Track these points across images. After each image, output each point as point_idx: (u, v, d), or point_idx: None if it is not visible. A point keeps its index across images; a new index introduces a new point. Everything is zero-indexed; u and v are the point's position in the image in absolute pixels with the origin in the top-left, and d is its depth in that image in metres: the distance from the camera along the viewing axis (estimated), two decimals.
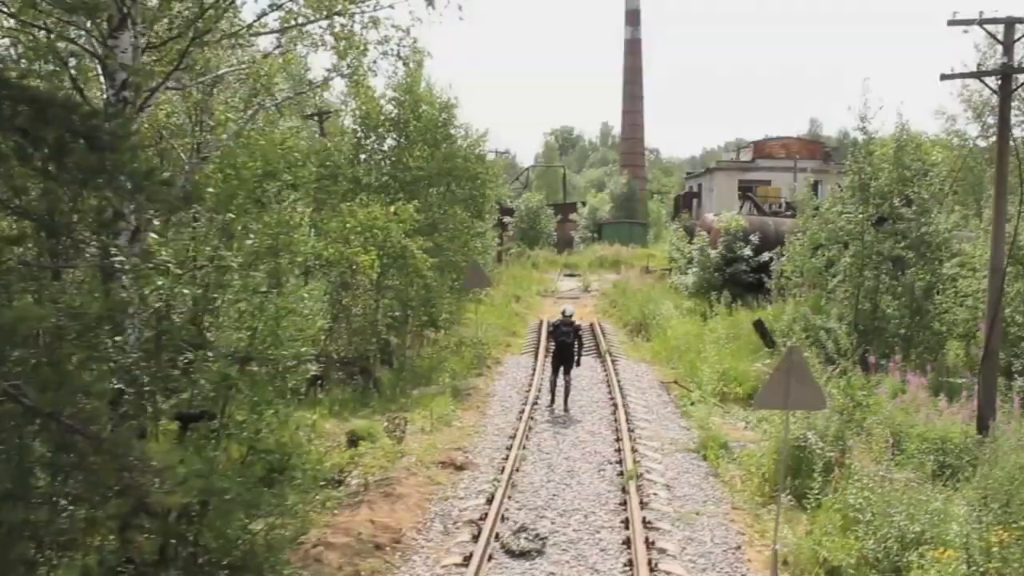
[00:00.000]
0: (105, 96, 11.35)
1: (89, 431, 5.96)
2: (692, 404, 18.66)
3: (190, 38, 11.70)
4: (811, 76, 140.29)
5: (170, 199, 7.37)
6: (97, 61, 11.60)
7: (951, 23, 15.88)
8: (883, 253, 21.67)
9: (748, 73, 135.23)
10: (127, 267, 7.81)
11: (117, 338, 7.52)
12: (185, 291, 8.11)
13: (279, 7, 13.74)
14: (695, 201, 65.70)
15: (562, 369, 18.20)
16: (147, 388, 7.83)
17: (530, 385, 20.31)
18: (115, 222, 8.19)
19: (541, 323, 29.35)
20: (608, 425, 17.01)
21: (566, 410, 18.07)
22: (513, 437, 15.58)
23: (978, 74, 16.08)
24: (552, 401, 18.30)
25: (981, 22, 15.47)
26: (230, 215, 8.22)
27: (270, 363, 8.59)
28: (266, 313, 8.29)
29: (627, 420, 16.86)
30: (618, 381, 20.67)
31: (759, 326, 22.40)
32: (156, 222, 8.50)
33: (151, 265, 7.90)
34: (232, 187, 8.29)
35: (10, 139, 7.52)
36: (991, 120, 38.21)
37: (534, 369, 22.27)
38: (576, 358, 18.37)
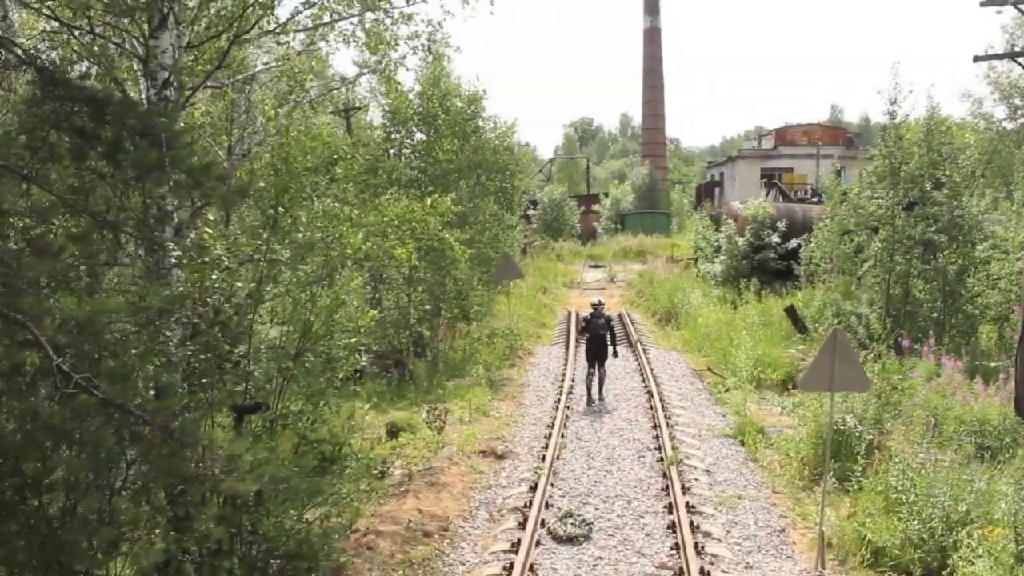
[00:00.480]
0: (146, 95, 11.54)
1: (158, 422, 6.12)
2: (727, 391, 18.69)
3: (231, 37, 11.85)
4: (831, 61, 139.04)
5: (226, 194, 7.51)
6: (138, 61, 11.77)
7: (984, 4, 15.83)
8: (914, 237, 21.56)
9: (768, 60, 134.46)
10: (184, 261, 7.98)
11: (173, 331, 7.69)
12: (239, 284, 8.26)
13: (313, 4, 13.88)
14: (717, 190, 65.57)
15: (597, 363, 18.08)
16: (204, 380, 8.00)
17: (563, 375, 20.42)
18: (168, 218, 8.36)
19: (570, 314, 29.48)
20: (644, 413, 17.10)
21: (601, 399, 18.03)
22: (551, 426, 15.70)
23: (1012, 55, 16.03)
24: (589, 401, 17.86)
25: (1016, 2, 15.42)
26: (280, 208, 8.37)
27: (323, 354, 8.74)
28: (318, 305, 8.44)
29: (663, 407, 16.93)
30: (651, 370, 20.75)
31: (791, 312, 22.38)
32: (210, 216, 8.66)
33: (206, 259, 8.06)
34: (283, 181, 8.43)
35: (66, 138, 7.71)
36: (1019, 102, 37.94)
37: (566, 359, 22.36)
38: (613, 348, 18.33)
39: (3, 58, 8.51)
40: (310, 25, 14.39)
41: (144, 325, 7.11)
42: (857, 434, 12.96)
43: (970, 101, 40.10)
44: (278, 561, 8.42)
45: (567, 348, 23.91)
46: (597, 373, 18.08)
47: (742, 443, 15.10)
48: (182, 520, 7.80)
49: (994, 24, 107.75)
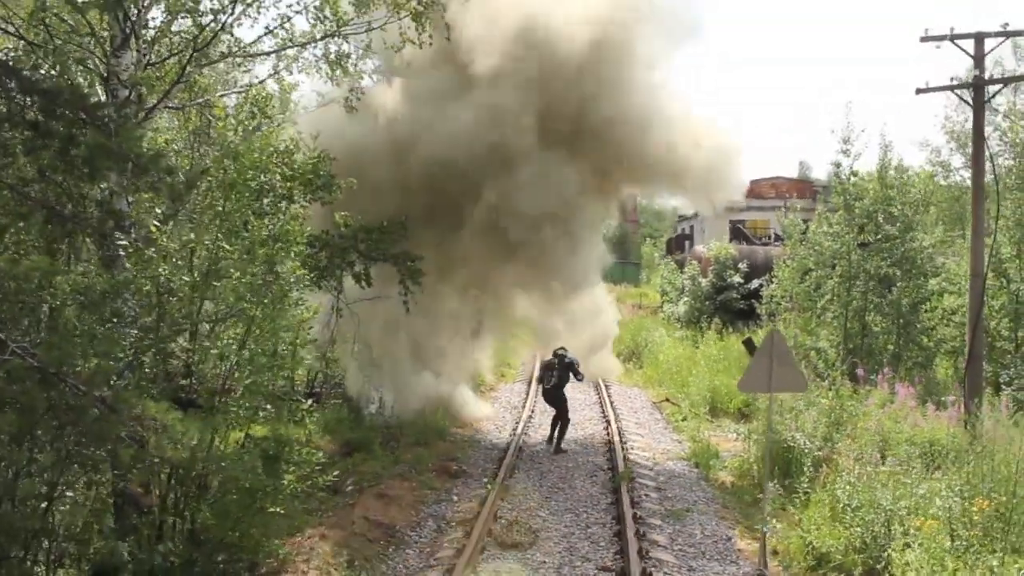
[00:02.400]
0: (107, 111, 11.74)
1: (92, 390, 6.21)
2: (683, 419, 18.86)
3: (188, 55, 12.11)
4: (800, 118, 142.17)
5: (174, 185, 7.70)
6: (100, 79, 12.00)
7: (924, 39, 16.45)
8: (869, 272, 22.04)
9: (736, 117, 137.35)
10: (130, 251, 8.11)
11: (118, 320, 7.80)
12: (184, 278, 8.39)
13: (273, 32, 14.19)
14: (687, 243, 66.29)
15: (556, 409, 16.75)
16: (147, 370, 8.07)
17: (523, 407, 20.48)
18: (118, 212, 8.51)
19: (535, 356, 29.57)
20: (601, 439, 17.20)
21: (560, 450, 16.19)
22: (506, 450, 15.76)
23: (952, 87, 16.58)
24: (551, 439, 16.57)
25: (952, 37, 16.02)
26: (227, 203, 8.55)
27: (267, 352, 8.83)
28: (263, 301, 8.57)
29: (619, 434, 17.04)
30: (611, 402, 20.88)
31: (748, 344, 22.66)
32: (158, 210, 8.82)
33: (152, 251, 8.20)
34: (231, 178, 8.62)
35: (19, 133, 7.89)
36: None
37: (527, 394, 22.44)
38: (577, 376, 16.89)
39: None
40: (270, 50, 14.72)
41: (87, 306, 7.23)
42: (806, 450, 13.14)
43: (928, 150, 41.11)
44: (221, 552, 8.43)
45: (529, 384, 24.00)
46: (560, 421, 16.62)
47: (696, 465, 15.24)
48: (123, 498, 7.86)
49: (944, 61, 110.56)
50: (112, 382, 6.67)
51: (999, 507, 9.19)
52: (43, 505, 7.03)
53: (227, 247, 8.70)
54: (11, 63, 8.88)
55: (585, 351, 19.73)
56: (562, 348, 16.92)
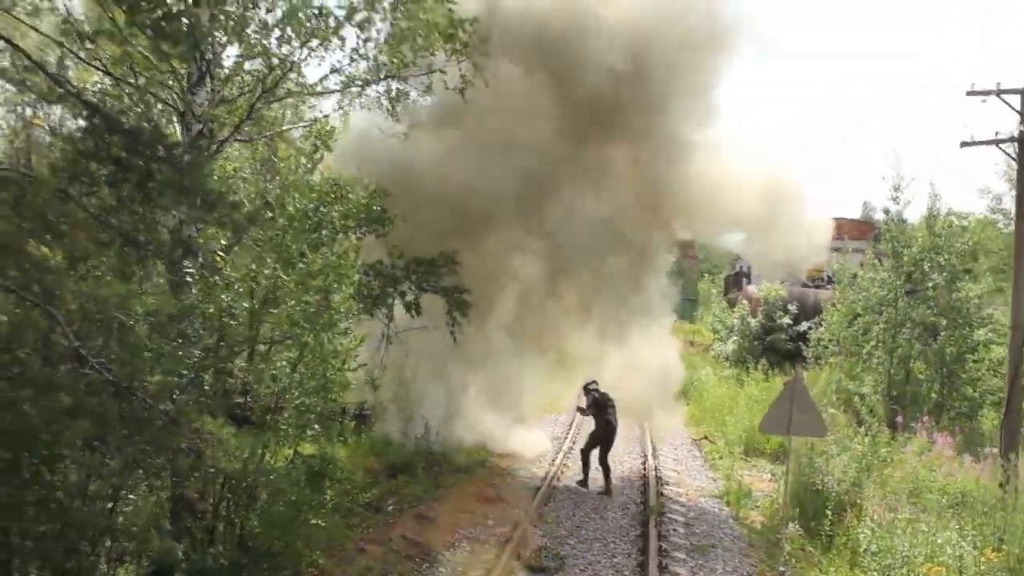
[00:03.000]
0: (182, 143, 12.69)
1: (158, 404, 6.98)
2: (720, 458, 19.18)
3: (259, 94, 13.00)
4: (866, 159, 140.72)
5: (238, 219, 8.50)
6: (177, 113, 12.97)
7: (970, 93, 16.79)
8: (915, 319, 22.16)
9: (802, 154, 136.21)
10: (196, 278, 8.92)
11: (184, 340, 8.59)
12: (244, 304, 9.18)
13: (338, 71, 15.07)
14: (744, 280, 66.21)
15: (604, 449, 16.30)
16: (206, 388, 8.85)
17: (566, 437, 20.99)
18: (187, 241, 9.35)
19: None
20: (637, 473, 17.62)
21: (609, 493, 15.76)
22: (544, 478, 16.28)
23: (995, 141, 16.83)
24: (585, 482, 16.24)
25: (998, 92, 16.33)
26: (287, 236, 9.34)
27: (318, 375, 9.57)
28: (316, 328, 9.31)
29: (655, 469, 17.46)
30: (650, 438, 21.26)
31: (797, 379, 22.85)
32: (223, 241, 9.64)
33: (217, 279, 9.00)
34: (290, 215, 9.41)
35: (103, 166, 8.76)
36: None
37: (570, 425, 22.94)
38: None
39: (57, 93, 9.69)
40: (334, 88, 15.61)
41: (156, 327, 8.04)
42: (832, 494, 13.43)
43: (989, 197, 40.74)
44: (266, 559, 9.13)
45: (574, 415, 24.47)
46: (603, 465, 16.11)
47: (727, 503, 15.58)
48: (179, 503, 8.62)
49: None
50: (175, 397, 7.43)
51: (1011, 559, 9.48)
52: (108, 505, 7.81)
53: (284, 277, 9.48)
54: (98, 103, 9.82)
55: (648, 396, 19.81)
56: (594, 383, 17.03)
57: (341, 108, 16.78)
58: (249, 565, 8.80)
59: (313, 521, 9.46)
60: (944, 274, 21.60)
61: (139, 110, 12.23)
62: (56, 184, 8.29)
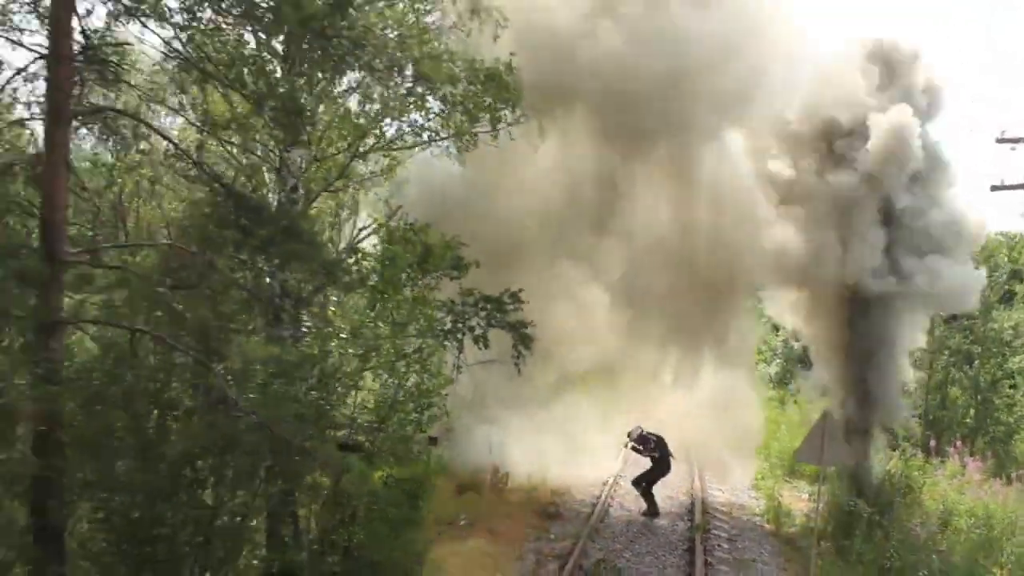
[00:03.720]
0: (277, 197, 14.47)
1: (295, 440, 8.69)
2: (763, 479, 20.49)
3: (351, 154, 14.73)
4: None
5: (349, 281, 10.23)
6: (274, 170, 14.75)
7: (999, 141, 18.03)
8: (951, 347, 23.31)
9: None
10: (313, 331, 10.63)
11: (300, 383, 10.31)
12: (351, 351, 10.87)
13: (417, 125, 16.78)
14: None
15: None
16: (321, 421, 10.54)
17: (617, 458, 22.43)
18: (302, 299, 11.09)
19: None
20: (685, 492, 19.04)
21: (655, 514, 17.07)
22: (599, 497, 17.78)
23: (1022, 186, 18.01)
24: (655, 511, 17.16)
25: None
26: (385, 295, 11.03)
27: (412, 410, 11.24)
28: (411, 367, 10.99)
29: (702, 489, 18.87)
30: (696, 459, 22.58)
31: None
32: (332, 297, 11.33)
33: (329, 329, 10.72)
34: (388, 273, 11.09)
35: (231, 234, 10.50)
36: None
37: (619, 456, 24.32)
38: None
39: (193, 173, 11.52)
40: (411, 144, 17.34)
41: (279, 374, 9.76)
42: (864, 515, 14.76)
43: None
44: (369, 568, 10.78)
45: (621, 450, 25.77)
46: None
47: (768, 521, 16.95)
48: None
49: None
50: (307, 433, 9.12)
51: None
52: (239, 520, 9.52)
53: (382, 325, 11.17)
54: (227, 183, 11.56)
55: (724, 447, 20.09)
56: (639, 428, 18.07)
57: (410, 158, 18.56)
58: (356, 573, 10.45)
59: (409, 536, 11.12)
60: (980, 305, 22.67)
61: (246, 175, 13.96)
62: (200, 252, 10.10)
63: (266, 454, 8.64)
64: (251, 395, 8.73)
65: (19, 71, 9.31)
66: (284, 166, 14.36)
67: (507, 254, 18.25)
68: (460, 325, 17.17)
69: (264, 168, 15.36)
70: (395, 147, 17.14)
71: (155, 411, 9.21)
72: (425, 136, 17.52)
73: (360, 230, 16.18)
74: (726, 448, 19.99)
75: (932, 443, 20.65)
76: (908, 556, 12.76)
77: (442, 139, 17.45)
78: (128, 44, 9.51)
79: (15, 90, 9.24)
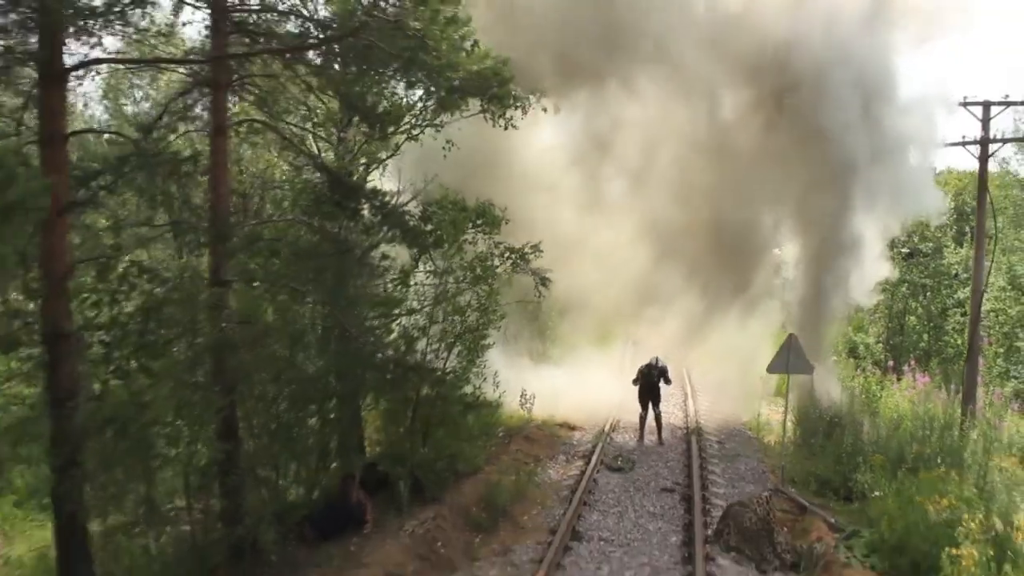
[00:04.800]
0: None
1: (402, 362, 12.13)
2: (750, 400, 24.05)
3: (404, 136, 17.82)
4: None
5: (427, 244, 13.52)
6: (332, 148, 17.81)
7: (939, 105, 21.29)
8: (910, 280, 26.83)
9: None
10: (397, 282, 14.00)
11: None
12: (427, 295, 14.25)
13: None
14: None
15: (651, 404, 19.73)
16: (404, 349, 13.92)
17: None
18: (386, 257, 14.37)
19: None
20: (680, 409, 22.60)
21: (660, 442, 19.21)
22: (608, 419, 21.30)
23: (963, 143, 21.31)
24: (641, 438, 19.47)
25: (964, 104, 20.81)
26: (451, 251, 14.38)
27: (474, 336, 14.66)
28: (472, 307, 14.39)
29: (694, 407, 22.43)
30: (690, 383, 26.18)
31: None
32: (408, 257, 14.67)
33: (410, 281, 14.05)
34: (450, 234, 14.42)
35: (326, 208, 13.71)
36: None
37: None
38: (665, 381, 19.97)
39: (308, 162, 14.67)
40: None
41: (380, 316, 13.13)
42: (825, 417, 18.29)
43: None
44: (444, 457, 14.22)
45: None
46: (653, 412, 19.74)
47: (751, 429, 20.53)
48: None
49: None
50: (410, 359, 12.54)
51: (930, 448, 14.35)
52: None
53: (452, 281, 14.52)
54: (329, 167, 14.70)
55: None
56: (655, 357, 20.62)
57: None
58: (438, 461, 13.92)
59: (469, 438, 14.66)
60: (929, 244, 26.19)
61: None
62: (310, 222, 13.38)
63: (386, 369, 12.04)
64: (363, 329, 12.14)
65: (181, 94, 12.49)
66: (342, 144, 17.50)
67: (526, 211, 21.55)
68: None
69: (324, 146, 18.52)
70: (434, 124, 20.27)
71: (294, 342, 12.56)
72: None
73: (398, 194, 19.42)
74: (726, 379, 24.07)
75: (890, 363, 24.21)
76: (858, 447, 16.25)
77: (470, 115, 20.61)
78: (274, 75, 12.58)
79: (183, 107, 12.43)
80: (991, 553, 9.52)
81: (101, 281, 10.06)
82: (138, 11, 10.11)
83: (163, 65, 14.66)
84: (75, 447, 9.41)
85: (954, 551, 9.52)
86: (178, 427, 10.38)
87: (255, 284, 12.26)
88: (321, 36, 11.85)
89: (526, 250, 20.27)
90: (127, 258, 11.02)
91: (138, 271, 10.62)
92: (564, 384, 23.54)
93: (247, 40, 11.79)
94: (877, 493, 13.12)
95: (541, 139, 22.51)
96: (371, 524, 12.55)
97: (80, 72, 10.31)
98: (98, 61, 10.22)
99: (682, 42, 19.93)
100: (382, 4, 10.47)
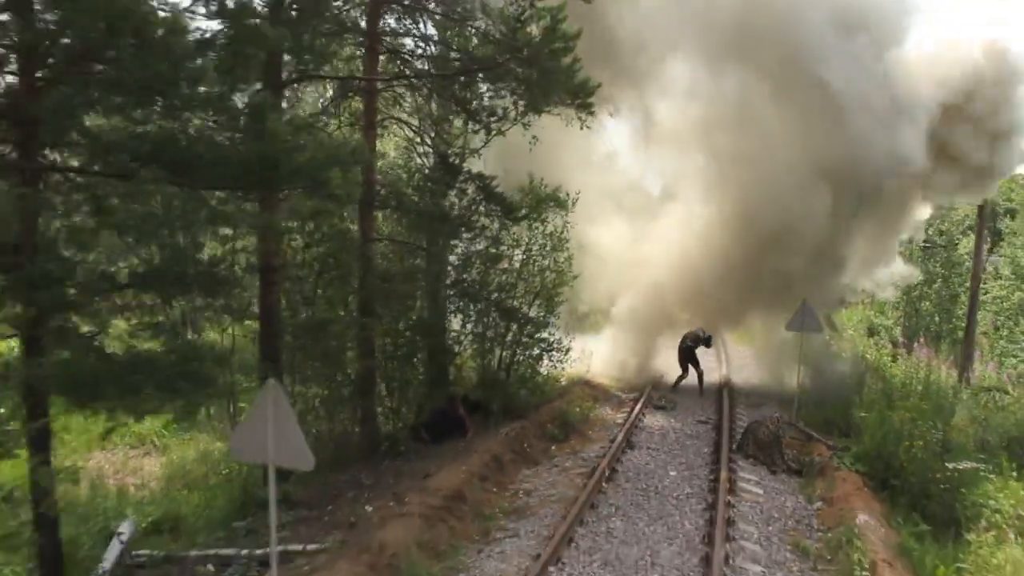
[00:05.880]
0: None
1: (504, 304, 15.89)
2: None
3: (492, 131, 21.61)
4: None
5: (515, 216, 17.26)
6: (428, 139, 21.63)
7: None
8: (925, 270, 30.11)
9: None
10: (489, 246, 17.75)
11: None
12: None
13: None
14: None
15: (691, 365, 22.96)
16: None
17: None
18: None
19: None
20: (716, 373, 26.19)
21: (701, 393, 22.54)
22: (652, 377, 24.95)
23: None
24: (675, 386, 22.91)
25: None
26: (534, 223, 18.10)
27: (548, 293, 18.37)
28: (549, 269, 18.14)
29: (728, 371, 26.02)
30: (726, 354, 29.74)
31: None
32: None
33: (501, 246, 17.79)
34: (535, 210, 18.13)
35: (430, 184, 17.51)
36: None
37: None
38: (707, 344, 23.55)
39: (423, 151, 18.44)
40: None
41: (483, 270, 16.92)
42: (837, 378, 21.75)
43: None
44: (524, 390, 17.99)
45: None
46: (695, 372, 22.87)
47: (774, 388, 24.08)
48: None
49: None
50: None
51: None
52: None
53: (533, 247, 18.25)
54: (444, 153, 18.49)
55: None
56: (700, 328, 24.18)
57: None
58: (523, 389, 17.68)
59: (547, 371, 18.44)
60: (943, 236, 29.44)
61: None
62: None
63: (487, 311, 15.85)
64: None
65: (336, 96, 16.38)
66: (439, 135, 21.20)
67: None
68: None
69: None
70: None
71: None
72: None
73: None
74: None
75: (902, 341, 27.55)
76: (860, 395, 19.72)
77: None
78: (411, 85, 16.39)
79: (338, 107, 16.33)
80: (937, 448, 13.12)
81: (299, 232, 13.98)
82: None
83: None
84: (278, 349, 13.40)
85: (907, 444, 13.12)
86: (343, 341, 14.32)
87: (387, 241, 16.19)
88: (460, 61, 15.54)
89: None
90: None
91: (316, 228, 14.57)
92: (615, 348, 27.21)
93: (398, 62, 15.66)
94: (863, 414, 16.57)
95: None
96: (471, 432, 16.37)
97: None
98: (302, 78, 14.11)
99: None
100: (519, 46, 14.03)
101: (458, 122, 18.61)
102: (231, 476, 14.76)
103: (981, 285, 30.38)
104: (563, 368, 19.71)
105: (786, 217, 21.80)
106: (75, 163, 9.23)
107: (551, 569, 10.19)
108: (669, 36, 22.18)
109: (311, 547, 10.58)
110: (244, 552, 10.64)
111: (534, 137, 18.87)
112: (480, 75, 15.41)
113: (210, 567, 10.46)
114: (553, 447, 16.37)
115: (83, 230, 8.48)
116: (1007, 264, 29.74)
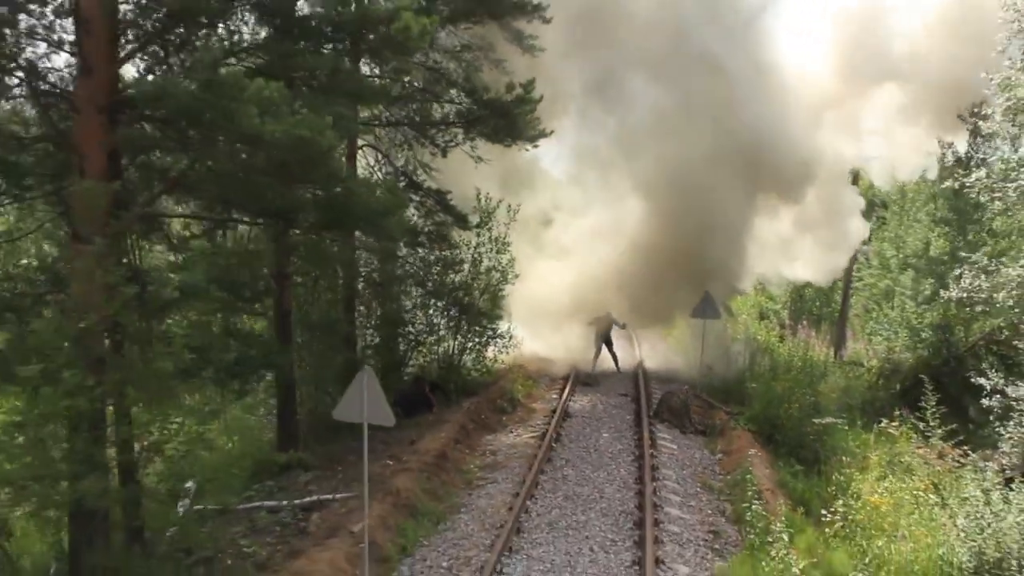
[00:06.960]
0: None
1: (461, 300, 19.17)
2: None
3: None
4: None
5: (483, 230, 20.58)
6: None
7: None
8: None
9: None
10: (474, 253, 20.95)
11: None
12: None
13: None
14: None
15: (605, 345, 26.08)
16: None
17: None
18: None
19: None
20: (630, 356, 29.95)
21: (618, 371, 26.15)
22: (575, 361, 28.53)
23: None
24: (592, 369, 25.48)
25: None
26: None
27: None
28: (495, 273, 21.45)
29: (641, 354, 29.83)
30: (639, 343, 33.55)
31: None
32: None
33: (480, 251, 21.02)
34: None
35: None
36: None
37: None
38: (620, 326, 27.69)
39: (388, 171, 21.47)
40: None
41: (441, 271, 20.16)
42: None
43: None
44: (475, 373, 21.34)
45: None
46: (608, 352, 26.23)
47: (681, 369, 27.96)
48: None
49: None
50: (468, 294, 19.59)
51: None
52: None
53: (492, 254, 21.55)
54: (421, 183, 21.61)
55: None
56: (608, 312, 28.07)
57: None
58: (474, 371, 21.02)
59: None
60: None
61: None
62: None
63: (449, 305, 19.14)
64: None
65: None
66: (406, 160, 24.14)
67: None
68: None
69: None
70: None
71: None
72: None
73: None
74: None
75: (788, 323, 31.84)
76: (748, 376, 23.66)
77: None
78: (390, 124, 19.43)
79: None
80: (809, 409, 17.08)
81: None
82: None
83: None
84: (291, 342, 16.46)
85: (786, 407, 17.03)
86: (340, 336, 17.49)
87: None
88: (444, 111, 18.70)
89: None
90: None
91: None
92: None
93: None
94: (754, 386, 20.47)
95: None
96: (436, 408, 19.62)
97: None
98: None
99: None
100: (500, 102, 17.27)
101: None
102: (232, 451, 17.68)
103: (855, 273, 35.09)
104: (505, 353, 23.04)
105: (699, 204, 25.43)
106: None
107: (528, 503, 13.62)
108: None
109: (339, 496, 13.74)
110: (285, 503, 13.73)
111: (479, 157, 22.19)
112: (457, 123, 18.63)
113: (264, 513, 13.50)
114: (504, 418, 19.80)
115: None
116: (876, 255, 34.41)
